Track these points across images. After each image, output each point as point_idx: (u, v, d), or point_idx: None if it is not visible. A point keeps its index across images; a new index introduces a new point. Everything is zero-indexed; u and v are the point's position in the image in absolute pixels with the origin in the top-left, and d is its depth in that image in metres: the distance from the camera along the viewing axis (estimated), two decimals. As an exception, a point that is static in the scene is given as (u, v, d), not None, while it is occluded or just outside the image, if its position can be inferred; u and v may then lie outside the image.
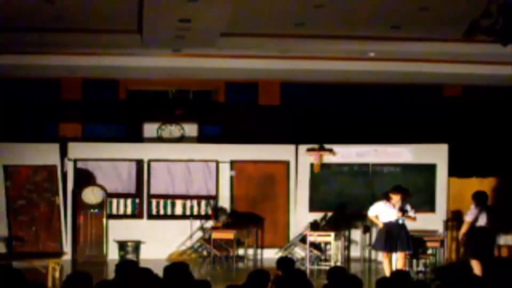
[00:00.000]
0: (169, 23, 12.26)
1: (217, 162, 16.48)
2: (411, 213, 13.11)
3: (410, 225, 14.28)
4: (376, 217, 13.20)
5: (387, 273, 13.02)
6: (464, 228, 12.98)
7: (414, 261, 14.21)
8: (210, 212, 16.38)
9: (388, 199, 13.13)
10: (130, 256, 15.48)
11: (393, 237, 12.99)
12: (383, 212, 13.14)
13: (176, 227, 16.15)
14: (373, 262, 15.06)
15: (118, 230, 16.01)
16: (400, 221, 13.00)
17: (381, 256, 14.04)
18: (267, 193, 16.55)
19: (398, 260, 13.16)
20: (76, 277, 7.06)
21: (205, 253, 16.14)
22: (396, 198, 13.04)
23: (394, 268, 12.75)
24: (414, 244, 13.89)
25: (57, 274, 12.36)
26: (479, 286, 7.49)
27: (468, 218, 12.90)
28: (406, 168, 16.41)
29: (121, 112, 17.02)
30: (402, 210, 13.01)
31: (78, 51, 14.68)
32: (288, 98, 17.36)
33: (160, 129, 16.91)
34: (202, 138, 16.96)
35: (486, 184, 15.88)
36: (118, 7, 11.87)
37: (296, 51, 14.64)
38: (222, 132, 17.12)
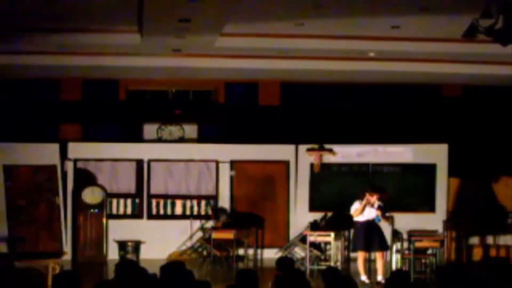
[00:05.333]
0: (169, 23, 12.26)
1: (217, 162, 16.48)
2: (387, 213, 13.27)
3: (411, 225, 14.33)
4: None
5: (362, 272, 13.16)
6: None
7: (414, 261, 14.21)
8: (210, 212, 16.39)
9: (362, 198, 13.25)
10: (130, 256, 15.48)
11: (371, 236, 13.15)
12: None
13: (176, 227, 16.15)
14: (372, 262, 15.01)
15: (118, 230, 16.01)
16: (377, 220, 13.15)
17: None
18: (267, 193, 16.56)
19: (377, 260, 13.30)
20: (63, 277, 7.08)
21: (205, 253, 16.14)
22: (374, 198, 13.17)
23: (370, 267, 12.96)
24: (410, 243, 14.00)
25: (57, 274, 12.35)
26: (479, 286, 7.50)
27: None
28: (406, 168, 16.42)
29: (121, 112, 17.01)
30: (381, 209, 13.14)
31: (78, 51, 14.67)
32: (288, 98, 17.35)
33: (160, 129, 16.91)
34: (202, 138, 16.95)
35: (486, 184, 15.90)
36: (118, 7, 11.87)
37: (296, 51, 14.63)
38: (222, 132, 17.11)
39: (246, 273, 7.97)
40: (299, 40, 13.80)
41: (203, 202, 16.45)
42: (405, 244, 14.43)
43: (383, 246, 13.36)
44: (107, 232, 16.07)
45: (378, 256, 13.35)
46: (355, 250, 13.67)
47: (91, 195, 15.97)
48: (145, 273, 7.72)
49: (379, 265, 13.28)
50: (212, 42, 13.68)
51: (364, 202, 13.22)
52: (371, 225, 13.25)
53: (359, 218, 13.34)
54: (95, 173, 16.25)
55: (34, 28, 12.94)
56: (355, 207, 13.37)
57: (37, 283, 7.44)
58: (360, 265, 13.36)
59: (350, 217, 13.81)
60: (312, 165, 16.40)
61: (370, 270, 14.04)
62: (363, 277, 13.28)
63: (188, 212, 16.41)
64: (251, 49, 14.39)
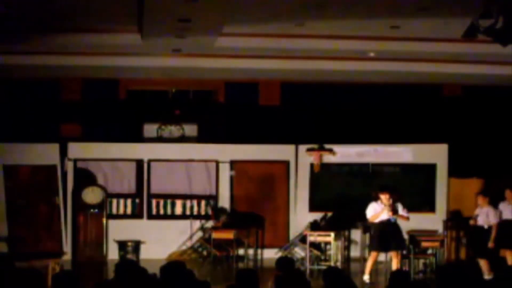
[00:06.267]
0: (169, 23, 12.26)
1: (217, 162, 16.49)
2: (403, 212, 13.19)
3: (410, 225, 14.32)
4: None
5: (367, 272, 13.15)
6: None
7: (414, 261, 14.23)
8: (210, 212, 16.39)
9: (377, 199, 13.23)
10: (130, 256, 15.48)
11: (387, 236, 13.11)
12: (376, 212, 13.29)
13: (176, 227, 16.16)
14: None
15: (118, 230, 16.01)
16: (392, 220, 13.12)
17: (381, 256, 14.06)
18: (267, 193, 16.56)
19: (392, 260, 13.28)
20: (63, 277, 7.10)
21: (205, 253, 16.15)
22: (385, 198, 13.14)
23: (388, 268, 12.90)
24: (413, 243, 14.00)
25: (57, 274, 12.34)
26: (479, 286, 7.50)
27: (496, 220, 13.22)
28: (406, 168, 16.43)
29: (121, 112, 17.00)
30: (393, 209, 13.11)
31: (78, 51, 14.67)
32: (288, 98, 17.35)
33: (160, 129, 16.91)
34: (202, 138, 16.95)
35: (486, 184, 15.90)
36: (118, 7, 11.87)
37: (296, 51, 14.62)
38: (222, 132, 17.11)
39: (246, 273, 7.98)
40: (299, 40, 13.80)
41: (203, 202, 16.45)
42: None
43: (399, 246, 13.29)
44: (107, 232, 16.07)
45: (393, 256, 13.31)
46: (370, 250, 13.69)
47: (91, 195, 15.97)
48: (145, 273, 7.73)
49: (394, 265, 13.22)
50: (212, 42, 13.68)
51: (383, 208, 13.16)
52: (387, 225, 13.18)
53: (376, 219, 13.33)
54: (95, 173, 16.25)
55: (34, 28, 12.93)
56: (370, 210, 13.31)
57: (37, 283, 7.44)
58: (368, 265, 13.35)
59: (350, 217, 13.82)
60: (312, 165, 16.40)
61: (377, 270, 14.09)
62: (366, 277, 13.26)
63: (188, 212, 16.42)
64: (251, 49, 14.39)
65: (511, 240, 13.38)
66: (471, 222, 13.66)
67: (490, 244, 13.21)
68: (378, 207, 13.22)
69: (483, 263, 13.07)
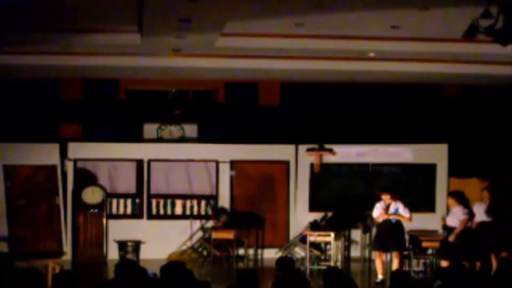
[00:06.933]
0: (169, 23, 12.26)
1: (217, 162, 16.49)
2: (404, 212, 13.20)
3: (411, 225, 14.35)
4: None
5: (380, 272, 13.15)
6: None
7: (414, 261, 14.23)
8: (210, 212, 16.39)
9: (380, 199, 13.30)
10: (130, 256, 15.49)
11: (386, 236, 13.15)
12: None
13: (176, 227, 16.16)
14: (373, 262, 15.06)
15: (118, 230, 16.02)
16: (393, 221, 13.14)
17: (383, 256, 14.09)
18: (267, 193, 16.56)
19: (393, 260, 13.30)
20: (63, 277, 7.11)
21: (205, 253, 16.15)
22: (386, 198, 13.19)
23: (388, 268, 12.91)
24: (414, 243, 14.00)
25: (57, 274, 12.33)
26: (479, 286, 7.51)
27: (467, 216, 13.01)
28: (406, 168, 16.44)
29: (121, 112, 17.00)
30: (386, 210, 13.14)
31: (78, 51, 14.67)
32: (288, 98, 17.35)
33: (160, 129, 16.90)
34: (202, 138, 16.95)
35: (485, 184, 15.88)
36: (118, 7, 11.87)
37: (296, 51, 14.63)
38: (222, 132, 17.11)
39: (246, 273, 7.99)
40: (299, 40, 13.80)
41: (203, 202, 16.45)
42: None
43: (398, 247, 13.32)
44: (107, 232, 16.07)
45: (393, 256, 13.36)
46: (372, 250, 13.88)
47: (91, 195, 15.97)
48: (145, 273, 7.73)
49: (394, 265, 13.23)
50: (212, 42, 13.68)
51: (383, 210, 13.23)
52: (387, 225, 13.24)
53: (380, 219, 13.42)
54: (95, 173, 16.25)
55: (34, 28, 12.93)
56: (375, 211, 13.41)
57: (37, 283, 7.45)
58: (375, 265, 13.41)
59: (350, 217, 13.81)
60: (312, 165, 16.41)
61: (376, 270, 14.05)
62: (379, 277, 13.25)
63: (188, 212, 16.42)
64: (251, 49, 14.38)
65: (492, 244, 13.19)
66: (441, 223, 13.65)
67: (450, 238, 12.85)
68: (381, 207, 13.29)
69: (445, 264, 12.84)
